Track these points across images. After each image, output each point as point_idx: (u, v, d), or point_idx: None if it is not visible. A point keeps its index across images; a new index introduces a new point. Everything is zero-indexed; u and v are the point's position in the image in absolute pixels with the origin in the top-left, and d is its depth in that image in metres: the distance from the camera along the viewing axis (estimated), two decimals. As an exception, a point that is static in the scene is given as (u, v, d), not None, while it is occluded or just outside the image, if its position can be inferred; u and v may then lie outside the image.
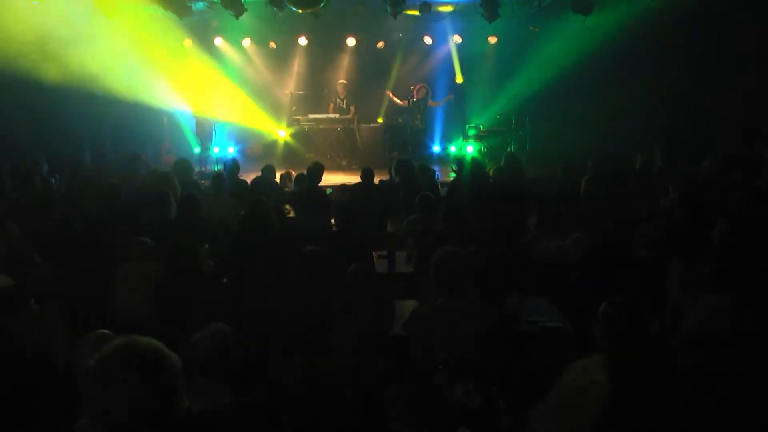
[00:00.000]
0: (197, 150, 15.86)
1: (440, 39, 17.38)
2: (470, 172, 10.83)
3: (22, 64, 12.11)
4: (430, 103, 16.79)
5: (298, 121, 17.51)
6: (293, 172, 11.56)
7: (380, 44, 17.79)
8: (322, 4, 11.94)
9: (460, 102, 17.81)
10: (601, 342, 3.81)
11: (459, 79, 18.02)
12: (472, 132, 16.93)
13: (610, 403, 3.58)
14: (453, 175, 11.42)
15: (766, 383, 3.97)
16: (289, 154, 17.32)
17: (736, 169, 9.47)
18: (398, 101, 16.97)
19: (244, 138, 18.02)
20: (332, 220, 8.37)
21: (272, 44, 17.62)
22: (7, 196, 8.43)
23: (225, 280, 6.86)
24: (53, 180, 10.57)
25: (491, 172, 10.94)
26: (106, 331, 3.84)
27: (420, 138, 16.57)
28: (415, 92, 16.48)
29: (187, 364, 3.57)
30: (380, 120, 18.08)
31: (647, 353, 3.70)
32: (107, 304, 6.12)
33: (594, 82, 15.10)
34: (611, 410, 3.55)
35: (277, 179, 11.33)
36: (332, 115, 17.52)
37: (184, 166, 10.71)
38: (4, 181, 9.88)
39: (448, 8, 14.54)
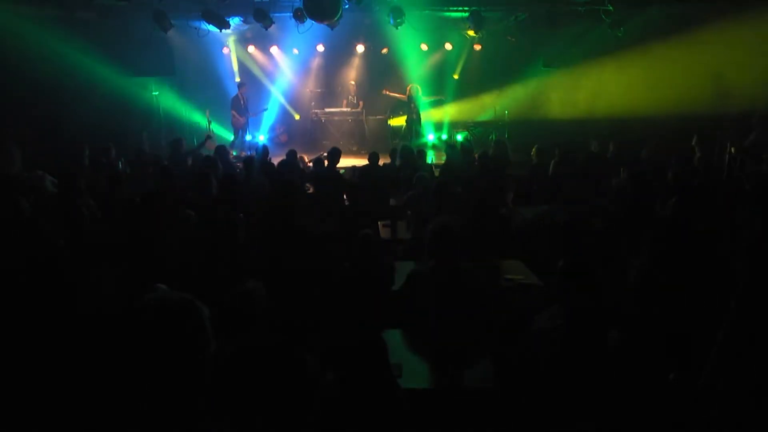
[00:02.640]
0: (232, 138, 15.90)
1: (434, 46, 17.31)
2: (458, 156, 10.82)
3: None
4: (424, 98, 16.88)
5: (316, 113, 17.57)
6: (305, 156, 12.09)
7: (384, 50, 17.73)
8: (336, 17, 11.89)
9: (451, 98, 17.85)
10: (559, 293, 3.83)
11: (455, 76, 18.01)
12: (460, 123, 17.00)
13: (566, 344, 3.61)
14: (444, 158, 11.43)
15: (692, 326, 4.01)
16: (309, 140, 17.37)
17: (671, 154, 9.48)
18: (397, 95, 17.01)
19: (272, 128, 18.06)
20: (344, 195, 8.40)
21: (295, 50, 17.63)
22: (86, 176, 8.44)
23: (258, 244, 6.87)
24: (119, 163, 10.66)
25: (477, 156, 10.92)
26: (163, 285, 3.85)
27: (417, 128, 16.62)
28: (409, 90, 16.61)
29: (226, 314, 3.62)
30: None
31: (597, 303, 3.73)
32: (162, 264, 6.15)
33: (560, 82, 15.04)
34: (567, 349, 3.58)
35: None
36: (344, 109, 17.60)
37: (222, 151, 10.79)
38: (85, 164, 9.96)
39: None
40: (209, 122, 11.87)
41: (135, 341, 1.81)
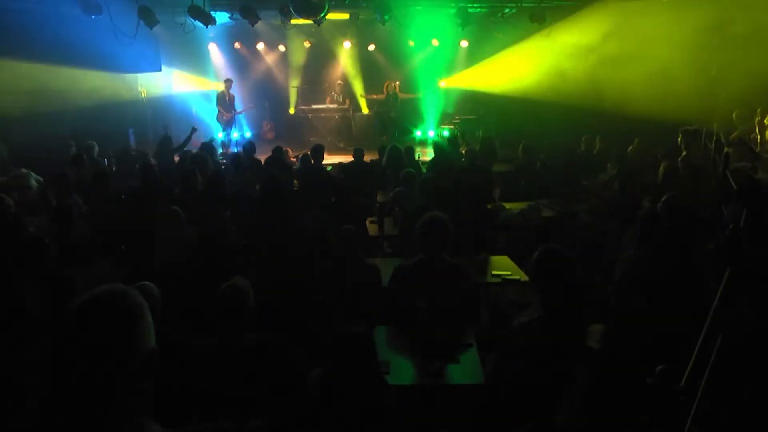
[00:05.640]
0: (221, 135, 15.82)
1: (421, 42, 17.31)
2: (445, 152, 10.83)
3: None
4: (401, 95, 16.96)
5: (303, 110, 17.57)
6: (290, 150, 12.20)
7: (371, 47, 17.74)
8: (323, 14, 11.89)
9: (437, 95, 17.90)
10: (534, 282, 3.85)
11: (442, 84, 18.10)
12: (447, 119, 17.06)
13: (542, 336, 3.63)
14: (431, 155, 11.46)
15: (675, 322, 4.04)
16: (296, 137, 17.34)
17: (656, 150, 9.54)
18: (375, 96, 17.17)
19: (258, 124, 18.02)
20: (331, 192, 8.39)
21: (281, 47, 17.61)
22: (71, 173, 8.40)
23: (245, 241, 6.86)
24: (105, 160, 10.59)
25: (464, 152, 10.93)
26: (147, 282, 3.84)
27: (404, 124, 16.68)
28: (385, 88, 16.87)
29: (214, 309, 3.62)
30: (365, 110, 18.31)
31: (575, 295, 3.74)
32: (149, 260, 6.13)
33: (549, 78, 15.05)
34: (544, 341, 3.60)
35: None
36: (331, 105, 17.58)
37: (208, 147, 10.76)
38: (69, 161, 9.89)
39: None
40: (193, 130, 11.72)
41: (62, 340, 1.78)
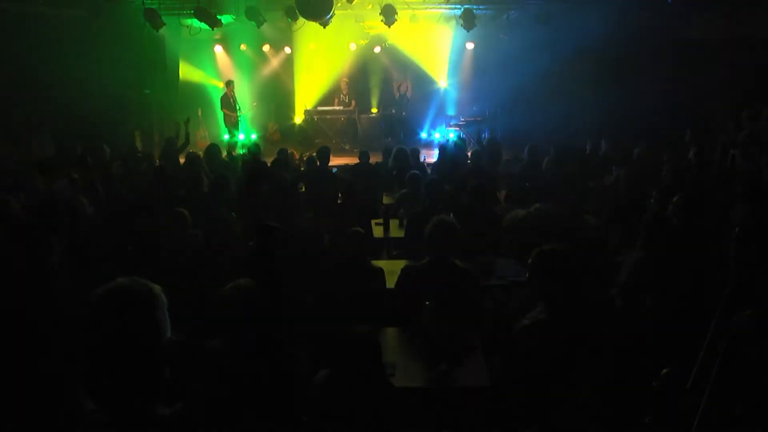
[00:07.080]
0: (226, 137, 15.80)
1: (425, 44, 17.33)
2: (450, 154, 10.83)
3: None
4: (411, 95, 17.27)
5: (309, 112, 17.58)
6: (295, 152, 12.07)
7: (376, 49, 17.76)
8: (328, 16, 11.92)
9: (443, 96, 17.92)
10: (534, 281, 3.86)
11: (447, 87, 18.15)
12: (452, 121, 17.06)
13: (545, 338, 3.63)
14: (437, 156, 11.45)
15: (682, 323, 4.03)
16: (302, 139, 17.35)
17: (663, 152, 9.50)
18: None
19: (264, 126, 18.01)
20: (338, 194, 8.40)
21: (287, 49, 17.64)
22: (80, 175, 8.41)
23: (250, 243, 6.86)
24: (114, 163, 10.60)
25: (469, 154, 10.93)
26: (155, 285, 3.84)
27: (410, 126, 16.70)
28: (396, 88, 17.23)
29: (219, 310, 3.62)
30: (374, 110, 18.37)
31: (578, 296, 3.74)
32: (154, 262, 6.13)
33: (553, 81, 15.02)
34: (547, 344, 3.60)
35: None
36: (337, 108, 17.60)
37: (213, 150, 10.72)
38: (76, 162, 9.87)
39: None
40: (187, 121, 11.47)
41: (87, 330, 1.81)
